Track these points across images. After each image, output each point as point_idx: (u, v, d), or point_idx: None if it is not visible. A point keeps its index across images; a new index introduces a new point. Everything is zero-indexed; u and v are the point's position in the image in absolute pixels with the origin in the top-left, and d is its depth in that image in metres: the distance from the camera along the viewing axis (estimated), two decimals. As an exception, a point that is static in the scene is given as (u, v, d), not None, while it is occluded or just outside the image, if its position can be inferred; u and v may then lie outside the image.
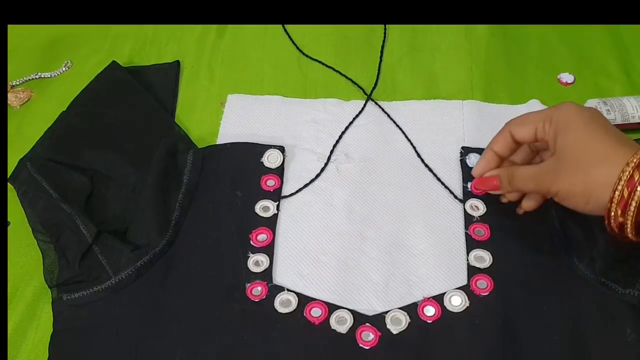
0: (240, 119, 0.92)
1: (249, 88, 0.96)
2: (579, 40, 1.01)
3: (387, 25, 1.04)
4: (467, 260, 0.75)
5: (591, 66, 0.97)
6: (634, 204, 0.60)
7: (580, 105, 0.68)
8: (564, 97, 0.93)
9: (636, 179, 0.59)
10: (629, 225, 0.61)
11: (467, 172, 0.82)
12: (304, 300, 0.72)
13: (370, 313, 0.71)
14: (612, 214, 0.62)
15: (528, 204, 0.75)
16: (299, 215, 0.81)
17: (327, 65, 0.99)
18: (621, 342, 0.67)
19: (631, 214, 0.60)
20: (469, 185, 0.81)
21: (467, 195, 0.80)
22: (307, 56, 1.01)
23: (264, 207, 0.80)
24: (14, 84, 0.99)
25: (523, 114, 0.73)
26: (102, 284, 0.72)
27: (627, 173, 0.60)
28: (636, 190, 0.59)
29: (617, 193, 0.60)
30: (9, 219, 0.81)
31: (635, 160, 0.60)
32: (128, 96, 0.92)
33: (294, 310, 0.71)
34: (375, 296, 0.73)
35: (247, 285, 0.73)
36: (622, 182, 0.60)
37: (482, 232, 0.77)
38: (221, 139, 0.89)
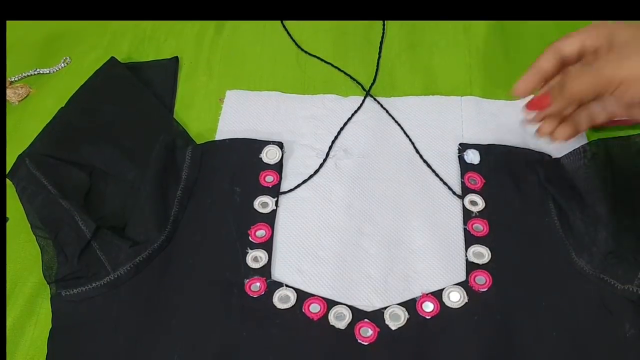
0: (239, 115, 0.92)
1: (248, 84, 0.96)
2: (578, 36, 1.01)
3: (385, 22, 1.04)
4: (466, 256, 0.75)
5: (590, 62, 0.97)
6: None
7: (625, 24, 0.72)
8: (562, 93, 0.92)
9: None
10: None
11: (465, 168, 0.82)
12: (302, 296, 0.72)
13: (368, 309, 0.71)
14: None
15: (564, 132, 0.77)
16: (297, 211, 0.81)
17: (325, 61, 0.99)
18: (620, 338, 0.67)
19: None
20: (466, 179, 0.81)
21: (466, 191, 0.80)
22: (305, 52, 1.01)
23: (262, 203, 0.80)
24: (12, 80, 0.99)
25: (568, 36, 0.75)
26: (100, 280, 0.72)
27: None
28: None
29: None
30: (7, 215, 0.82)
31: None
32: (127, 92, 0.92)
33: (292, 306, 0.71)
34: (374, 292, 0.73)
35: (246, 281, 0.73)
36: None
37: (480, 227, 0.77)
38: (220, 135, 0.89)
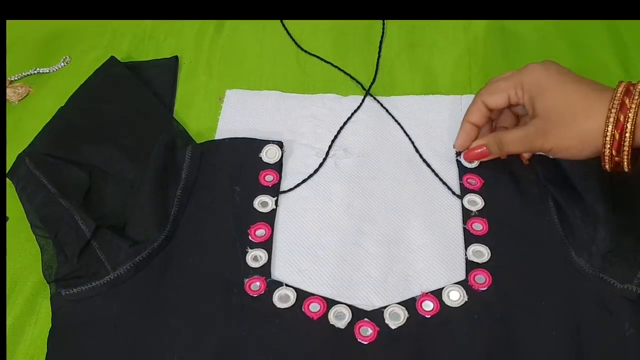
0: (239, 115, 0.92)
1: (248, 83, 0.96)
2: (577, 35, 1.01)
3: (385, 21, 1.04)
4: (466, 255, 0.75)
5: (589, 62, 0.97)
6: (626, 144, 0.66)
7: (543, 64, 0.72)
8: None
9: (622, 121, 0.65)
10: (625, 163, 0.67)
11: (463, 170, 0.82)
12: (302, 295, 0.72)
13: (368, 308, 0.71)
14: (607, 157, 0.68)
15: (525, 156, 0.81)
16: (297, 210, 0.81)
17: (325, 61, 0.99)
18: (619, 337, 0.67)
19: (625, 153, 0.66)
20: (464, 181, 0.81)
21: (465, 190, 0.80)
22: (305, 51, 1.01)
23: (262, 203, 0.80)
24: (12, 79, 0.99)
25: (492, 81, 0.78)
26: (100, 279, 0.72)
27: (612, 118, 0.65)
28: (626, 130, 0.65)
29: (608, 138, 0.66)
30: (7, 214, 0.82)
31: (616, 105, 0.66)
32: (126, 92, 0.92)
33: (292, 306, 0.71)
34: (373, 291, 0.73)
35: (246, 280, 0.73)
36: (610, 127, 0.65)
37: (480, 227, 0.77)
38: (219, 134, 0.89)
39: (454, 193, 0.81)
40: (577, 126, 0.68)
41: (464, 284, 0.72)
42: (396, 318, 0.70)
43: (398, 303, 0.71)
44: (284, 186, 0.83)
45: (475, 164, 0.82)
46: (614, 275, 0.70)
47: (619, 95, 0.66)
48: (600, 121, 0.66)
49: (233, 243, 0.76)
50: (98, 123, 0.87)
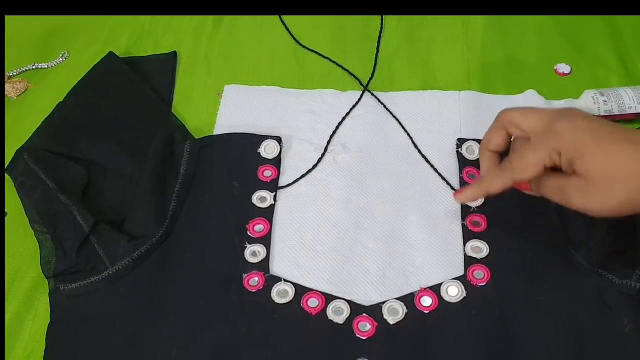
0: (237, 110, 0.92)
1: (246, 79, 0.96)
2: (576, 31, 1.01)
3: (384, 16, 1.04)
4: (464, 251, 0.75)
5: (588, 57, 0.97)
6: None
7: (571, 122, 0.63)
8: (561, 88, 0.93)
9: None
10: None
11: (463, 163, 0.83)
12: (301, 290, 0.72)
13: (367, 303, 0.71)
14: None
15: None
16: (296, 206, 0.81)
17: (324, 56, 0.99)
18: (618, 333, 0.67)
19: None
20: (464, 174, 0.82)
21: (465, 184, 0.80)
22: (304, 47, 1.01)
23: (261, 198, 0.80)
24: (11, 74, 0.99)
25: (517, 152, 0.67)
26: (99, 275, 0.72)
27: None
28: None
29: None
30: (6, 210, 0.82)
31: None
32: (125, 87, 0.92)
33: (291, 301, 0.71)
34: (372, 287, 0.73)
35: (244, 275, 0.73)
36: None
37: (479, 223, 0.77)
38: (218, 130, 0.89)
39: (453, 188, 0.81)
40: (623, 188, 0.60)
41: (462, 279, 0.72)
42: (395, 313, 0.70)
43: (397, 298, 0.71)
44: (282, 182, 0.83)
45: (476, 156, 0.82)
46: (613, 272, 0.70)
47: None
48: None
49: (232, 238, 0.76)
50: (97, 118, 0.87)
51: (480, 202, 0.78)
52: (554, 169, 0.64)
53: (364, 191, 0.82)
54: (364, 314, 0.70)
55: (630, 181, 0.59)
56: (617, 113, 0.85)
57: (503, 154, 0.71)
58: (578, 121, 0.63)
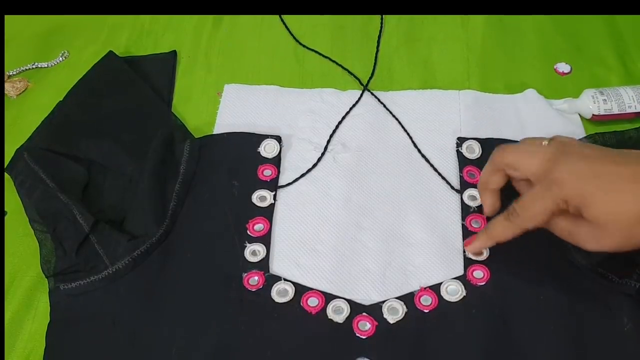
0: (237, 109, 0.92)
1: (246, 78, 0.96)
2: (576, 30, 1.01)
3: (383, 16, 1.04)
4: (464, 250, 0.75)
5: (588, 56, 0.97)
6: None
7: (578, 162, 0.62)
8: (560, 87, 0.93)
9: None
10: None
11: (463, 162, 0.82)
12: (300, 289, 0.72)
13: (367, 303, 0.71)
14: None
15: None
16: (295, 205, 0.81)
17: (323, 55, 0.99)
18: (618, 332, 0.67)
19: None
20: (464, 173, 0.81)
21: (465, 185, 0.80)
22: (303, 46, 1.01)
23: (260, 197, 0.80)
24: (10, 73, 0.99)
25: (522, 205, 0.65)
26: (99, 274, 0.72)
27: None
28: None
29: None
30: (5, 209, 0.82)
31: None
32: (125, 86, 0.92)
33: (290, 300, 0.71)
34: (372, 286, 0.73)
35: (244, 274, 0.73)
36: None
37: (479, 223, 0.77)
38: (218, 129, 0.89)
39: (453, 188, 0.81)
40: (632, 231, 0.59)
41: (462, 279, 0.72)
42: (394, 313, 0.70)
43: (396, 298, 0.71)
44: (282, 181, 0.83)
45: (476, 155, 0.82)
46: (612, 271, 0.70)
47: None
48: None
49: (231, 237, 0.76)
50: (96, 117, 0.87)
51: (480, 201, 0.78)
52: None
53: (364, 190, 0.82)
54: (364, 313, 0.70)
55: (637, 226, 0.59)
56: (616, 112, 0.85)
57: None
58: (579, 164, 0.62)
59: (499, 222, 0.68)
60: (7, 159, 0.82)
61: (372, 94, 0.92)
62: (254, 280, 0.73)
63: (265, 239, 0.77)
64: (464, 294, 0.71)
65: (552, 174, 0.62)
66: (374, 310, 0.70)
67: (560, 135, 0.67)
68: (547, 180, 0.63)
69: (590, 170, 0.61)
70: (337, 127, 0.88)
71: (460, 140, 0.84)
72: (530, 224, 0.65)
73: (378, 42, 1.01)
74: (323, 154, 0.85)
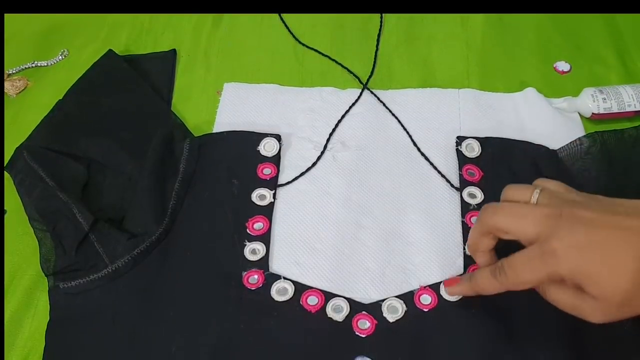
0: (237, 108, 0.92)
1: (245, 77, 0.96)
2: (575, 28, 1.01)
3: (383, 14, 1.04)
4: (464, 249, 0.75)
5: (587, 55, 0.97)
6: None
7: (576, 229, 0.56)
8: (560, 86, 0.93)
9: None
10: None
11: (462, 161, 0.82)
12: (300, 288, 0.72)
13: (366, 301, 0.71)
14: None
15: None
16: (295, 203, 0.81)
17: (323, 54, 0.99)
18: (618, 331, 0.67)
19: None
20: (464, 171, 0.81)
21: (464, 183, 0.80)
22: (303, 45, 1.01)
23: (260, 196, 0.80)
24: (10, 72, 0.99)
25: (514, 267, 0.60)
26: (98, 273, 0.72)
27: None
28: None
29: None
30: (5, 207, 0.82)
31: None
32: (124, 85, 0.92)
33: (290, 299, 0.71)
34: (371, 284, 0.73)
35: (244, 273, 0.73)
36: None
37: (478, 220, 0.77)
38: (217, 128, 0.89)
39: (452, 186, 0.81)
40: None
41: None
42: (394, 311, 0.70)
43: (396, 296, 0.71)
44: (282, 179, 0.83)
45: (475, 154, 0.82)
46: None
47: None
48: None
49: (231, 236, 0.76)
50: (96, 116, 0.87)
51: (480, 199, 0.78)
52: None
53: (364, 189, 0.82)
54: (364, 312, 0.70)
55: None
56: (616, 111, 0.85)
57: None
58: (577, 234, 0.56)
59: (485, 276, 0.64)
60: (7, 157, 0.82)
61: (372, 92, 0.92)
62: (253, 278, 0.73)
63: (265, 238, 0.77)
64: (464, 293, 0.71)
65: (548, 245, 0.57)
66: (374, 308, 0.71)
67: (547, 183, 0.63)
68: (541, 249, 0.57)
69: (590, 242, 0.56)
70: (336, 125, 0.88)
71: (460, 139, 0.84)
72: (517, 288, 0.61)
73: (378, 40, 1.01)
74: (323, 152, 0.85)
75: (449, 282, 0.70)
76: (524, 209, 0.61)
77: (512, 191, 0.65)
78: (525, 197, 0.62)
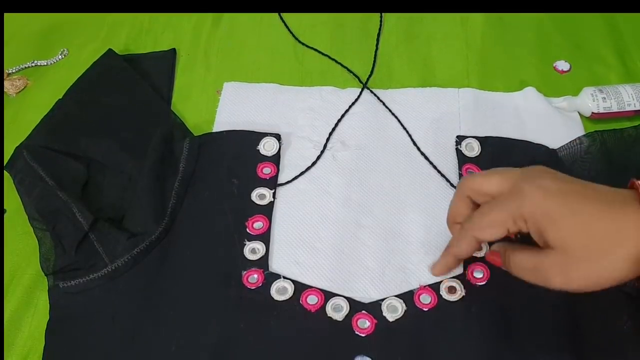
0: (236, 107, 0.92)
1: (245, 76, 0.96)
2: (575, 28, 1.01)
3: (383, 14, 1.04)
4: (464, 248, 0.75)
5: (587, 54, 0.97)
6: None
7: (540, 185, 0.57)
8: (560, 85, 0.93)
9: None
10: None
11: (462, 160, 0.82)
12: (300, 287, 0.72)
13: (366, 300, 0.72)
14: None
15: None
16: (295, 203, 0.81)
17: (323, 53, 0.99)
18: (617, 330, 0.67)
19: None
20: (464, 171, 0.81)
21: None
22: (303, 44, 1.01)
23: (260, 195, 0.80)
24: (10, 71, 0.99)
25: (481, 211, 0.62)
26: (98, 272, 0.72)
27: None
28: None
29: None
30: (5, 207, 0.82)
31: None
32: (124, 84, 0.92)
33: (290, 298, 0.71)
34: (371, 284, 0.73)
35: (244, 272, 0.73)
36: None
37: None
38: (217, 127, 0.89)
39: (452, 185, 0.81)
40: (608, 257, 0.54)
41: (462, 278, 0.72)
42: (394, 311, 0.70)
43: (396, 296, 0.71)
44: (281, 179, 0.83)
45: (475, 153, 0.82)
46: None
47: None
48: (636, 244, 0.53)
49: (231, 235, 0.76)
50: (96, 115, 0.87)
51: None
52: (522, 239, 0.60)
53: (363, 188, 0.82)
54: (363, 311, 0.70)
55: (615, 249, 0.54)
56: (616, 110, 0.85)
57: None
58: (546, 182, 0.57)
59: (456, 234, 0.65)
60: (7, 157, 0.82)
61: (372, 92, 0.92)
62: (253, 278, 0.73)
63: (265, 237, 0.77)
64: (463, 293, 0.71)
65: (516, 187, 0.58)
66: (374, 308, 0.71)
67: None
68: (510, 191, 0.59)
69: (559, 189, 0.56)
70: (336, 125, 0.88)
71: (460, 139, 0.84)
72: (482, 234, 0.61)
73: (377, 40, 1.01)
74: (322, 152, 0.85)
75: (431, 267, 0.70)
76: (498, 170, 0.62)
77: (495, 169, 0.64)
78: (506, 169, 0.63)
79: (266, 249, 0.76)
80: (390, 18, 1.04)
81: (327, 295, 0.71)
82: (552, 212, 0.55)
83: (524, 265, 0.59)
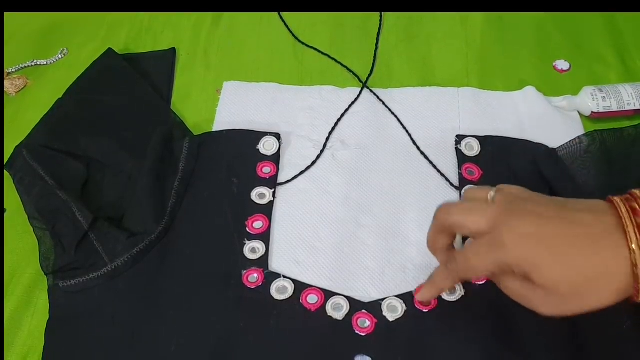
0: (236, 106, 0.92)
1: (245, 75, 0.96)
2: (575, 27, 1.01)
3: (382, 13, 1.04)
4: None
5: (587, 53, 0.97)
6: None
7: (524, 221, 0.57)
8: (559, 84, 0.93)
9: None
10: None
11: (462, 160, 0.82)
12: (300, 287, 0.72)
13: (366, 300, 0.72)
14: None
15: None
16: (294, 202, 0.81)
17: (322, 53, 0.99)
18: (618, 330, 0.67)
19: None
20: (463, 170, 0.81)
21: (463, 182, 0.80)
22: (303, 43, 1.01)
23: (259, 194, 0.80)
24: (10, 71, 0.99)
25: (464, 255, 0.61)
26: (98, 271, 0.72)
27: (635, 256, 0.53)
28: None
29: None
30: (5, 206, 0.82)
31: (635, 248, 0.53)
32: (124, 83, 0.92)
33: (290, 297, 0.71)
34: (371, 283, 0.73)
35: (243, 272, 0.73)
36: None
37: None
38: (217, 126, 0.89)
39: (452, 185, 0.81)
40: (597, 292, 0.55)
41: (461, 277, 0.72)
42: (394, 310, 0.70)
43: (396, 296, 0.71)
44: (281, 178, 0.83)
45: (475, 152, 0.82)
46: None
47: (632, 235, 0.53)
48: (624, 275, 0.54)
49: (230, 235, 0.76)
50: (95, 115, 0.87)
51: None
52: None
53: (363, 188, 0.82)
54: (363, 310, 0.70)
55: (603, 284, 0.55)
56: (615, 109, 0.85)
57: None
58: (525, 226, 0.56)
59: (440, 270, 0.65)
60: (7, 156, 0.82)
61: (371, 91, 0.92)
62: (253, 277, 0.73)
63: (265, 237, 0.77)
64: (463, 293, 0.71)
65: (497, 233, 0.57)
66: (374, 307, 0.71)
67: (507, 186, 0.62)
68: (492, 238, 0.57)
69: (538, 233, 0.56)
70: (336, 124, 0.88)
71: (459, 138, 0.84)
72: (467, 276, 0.62)
73: (377, 39, 1.01)
74: (322, 151, 0.85)
75: (417, 291, 0.70)
76: (477, 204, 0.61)
77: (471, 192, 0.65)
78: (483, 197, 0.62)
79: (266, 248, 0.76)
80: (390, 17, 1.04)
81: (327, 294, 0.72)
82: (537, 261, 0.55)
83: (513, 291, 0.60)
